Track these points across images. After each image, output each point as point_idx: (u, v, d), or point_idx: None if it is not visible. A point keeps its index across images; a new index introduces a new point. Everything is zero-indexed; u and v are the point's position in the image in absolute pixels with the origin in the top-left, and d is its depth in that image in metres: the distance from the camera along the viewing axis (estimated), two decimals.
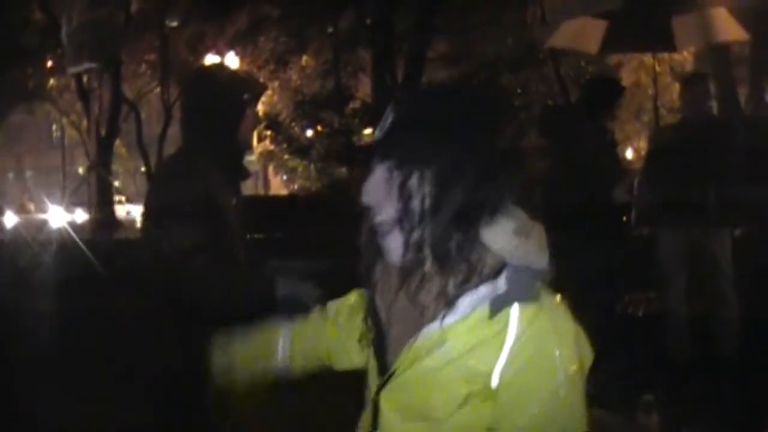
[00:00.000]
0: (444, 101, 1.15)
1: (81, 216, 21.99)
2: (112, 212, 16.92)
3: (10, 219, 19.62)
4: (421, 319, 1.13)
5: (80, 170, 28.27)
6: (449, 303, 1.09)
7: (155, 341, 2.32)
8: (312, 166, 16.29)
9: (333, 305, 1.47)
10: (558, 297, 1.13)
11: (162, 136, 19.11)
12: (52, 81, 20.42)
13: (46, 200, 23.09)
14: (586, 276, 3.76)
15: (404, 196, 1.10)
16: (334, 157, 14.90)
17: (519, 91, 16.24)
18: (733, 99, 12.40)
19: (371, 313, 1.25)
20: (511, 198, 1.12)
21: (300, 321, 1.50)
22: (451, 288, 1.10)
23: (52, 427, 3.67)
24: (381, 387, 1.16)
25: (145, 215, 2.34)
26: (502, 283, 1.08)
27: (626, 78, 14.72)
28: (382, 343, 1.21)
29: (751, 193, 4.56)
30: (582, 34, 5.64)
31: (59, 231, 14.82)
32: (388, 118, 1.15)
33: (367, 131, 15.11)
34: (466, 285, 1.09)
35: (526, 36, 15.17)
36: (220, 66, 5.46)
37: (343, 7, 16.07)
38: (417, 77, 15.26)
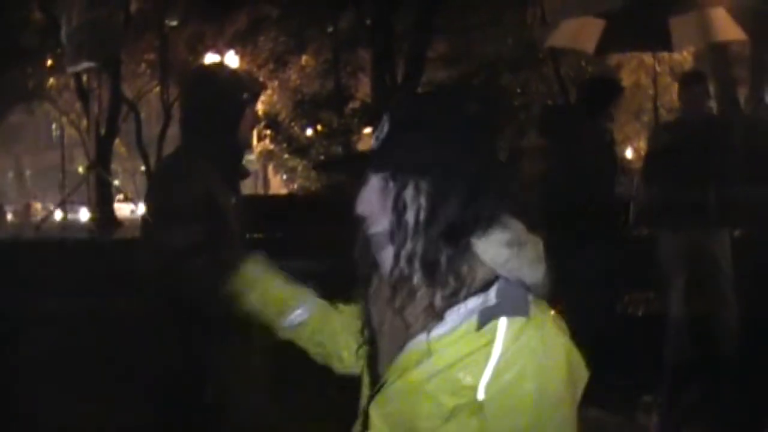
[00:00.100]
0: (440, 109, 1.14)
1: (81, 216, 22.00)
2: (112, 212, 16.88)
3: (11, 218, 19.61)
4: (409, 331, 1.12)
5: (80, 169, 28.26)
6: (437, 316, 1.08)
7: (155, 341, 2.32)
8: (311, 166, 16.30)
9: (347, 307, 1.44)
10: (551, 312, 1.10)
11: (161, 136, 19.09)
12: (51, 80, 20.37)
13: (51, 204, 22.99)
14: (586, 276, 3.77)
15: (398, 207, 1.09)
16: (333, 159, 14.88)
17: (519, 91, 16.27)
18: (733, 99, 12.41)
19: (366, 323, 1.25)
20: (507, 209, 1.11)
21: (328, 303, 1.47)
22: (438, 301, 1.09)
23: (52, 427, 3.66)
24: (371, 398, 1.16)
25: (145, 215, 2.34)
26: (492, 296, 1.06)
27: (626, 78, 14.70)
28: (375, 354, 1.21)
29: (750, 193, 4.56)
30: (581, 33, 5.65)
31: (59, 230, 14.80)
32: (384, 128, 1.13)
33: (367, 131, 15.12)
34: (454, 298, 1.08)
35: (526, 36, 15.19)
36: (220, 65, 5.44)
37: (343, 7, 16.09)
38: (417, 77, 15.28)
